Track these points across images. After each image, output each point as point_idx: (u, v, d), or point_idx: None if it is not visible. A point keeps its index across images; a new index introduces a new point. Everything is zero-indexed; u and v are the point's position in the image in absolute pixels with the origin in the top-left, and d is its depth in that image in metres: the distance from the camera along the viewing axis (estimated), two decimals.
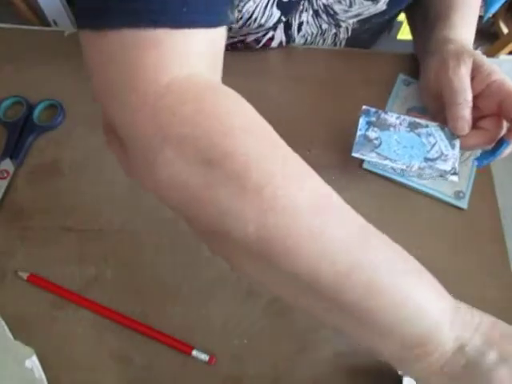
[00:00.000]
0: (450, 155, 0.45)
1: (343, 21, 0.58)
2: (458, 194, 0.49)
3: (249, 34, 0.56)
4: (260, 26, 0.53)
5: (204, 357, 0.40)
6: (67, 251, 0.45)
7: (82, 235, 0.46)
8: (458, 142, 0.45)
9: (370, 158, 0.44)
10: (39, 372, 0.38)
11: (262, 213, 0.25)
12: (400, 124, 0.46)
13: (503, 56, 1.37)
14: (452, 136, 0.46)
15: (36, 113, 0.52)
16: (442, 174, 0.45)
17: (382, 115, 0.47)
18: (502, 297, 0.45)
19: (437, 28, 0.52)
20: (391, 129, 0.46)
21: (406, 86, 0.56)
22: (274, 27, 0.56)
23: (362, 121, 0.46)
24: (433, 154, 0.45)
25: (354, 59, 0.58)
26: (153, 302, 0.43)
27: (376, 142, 0.45)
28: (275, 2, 0.50)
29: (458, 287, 0.45)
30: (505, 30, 1.58)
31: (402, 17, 0.68)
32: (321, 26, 0.58)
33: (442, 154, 0.45)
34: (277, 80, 0.55)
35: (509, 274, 0.46)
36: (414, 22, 0.61)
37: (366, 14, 0.56)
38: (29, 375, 0.38)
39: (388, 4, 0.54)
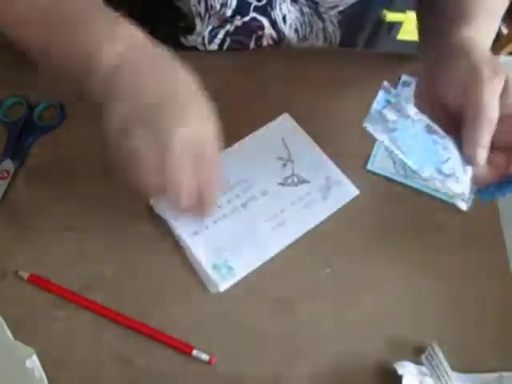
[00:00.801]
0: (462, 178, 0.40)
1: (324, 11, 0.57)
2: (460, 196, 0.48)
3: (224, 19, 0.56)
4: (223, 4, 0.53)
5: (204, 357, 0.40)
6: (67, 251, 0.45)
7: (82, 235, 0.46)
8: (469, 168, 0.40)
9: (380, 138, 0.40)
10: (39, 372, 0.38)
11: None
12: (418, 121, 0.41)
13: (503, 56, 1.37)
14: None
15: (36, 113, 0.52)
16: (451, 195, 0.41)
17: (403, 102, 0.41)
18: (502, 297, 0.45)
19: (460, 25, 0.43)
20: (409, 120, 0.41)
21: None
22: (255, 19, 0.56)
23: (380, 95, 0.41)
24: (446, 169, 0.40)
25: (354, 59, 0.58)
26: (153, 301, 0.43)
27: (392, 125, 0.40)
28: None
29: (458, 287, 0.45)
30: (505, 31, 1.58)
31: (401, 17, 0.68)
32: (302, 10, 0.57)
33: (455, 173, 0.40)
34: (275, 81, 0.55)
35: (509, 274, 0.46)
36: (426, 17, 0.53)
37: (343, 4, 0.56)
38: (29, 375, 0.38)
39: None
